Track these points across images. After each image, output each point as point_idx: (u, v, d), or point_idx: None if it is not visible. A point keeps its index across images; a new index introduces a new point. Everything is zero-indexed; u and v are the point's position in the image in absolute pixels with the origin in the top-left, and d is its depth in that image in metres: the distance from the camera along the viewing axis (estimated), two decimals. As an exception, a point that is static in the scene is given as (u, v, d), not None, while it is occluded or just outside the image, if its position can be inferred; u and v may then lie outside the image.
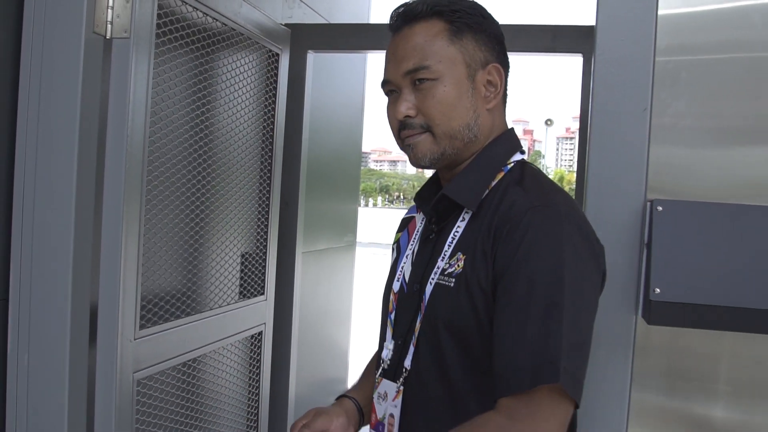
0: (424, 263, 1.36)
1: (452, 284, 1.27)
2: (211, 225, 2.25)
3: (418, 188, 1.49)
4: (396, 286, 1.42)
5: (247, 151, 2.45)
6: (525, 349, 1.15)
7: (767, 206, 1.42)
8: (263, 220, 2.57)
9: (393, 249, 1.52)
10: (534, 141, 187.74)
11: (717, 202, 1.42)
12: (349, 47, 2.94)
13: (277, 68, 2.58)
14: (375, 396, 1.44)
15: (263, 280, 2.49)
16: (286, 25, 2.72)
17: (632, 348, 1.50)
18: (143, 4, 1.79)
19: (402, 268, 1.43)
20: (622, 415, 1.58)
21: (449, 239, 1.32)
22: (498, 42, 1.36)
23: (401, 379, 1.38)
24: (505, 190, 1.29)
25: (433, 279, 1.30)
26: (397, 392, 1.39)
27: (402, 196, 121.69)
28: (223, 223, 2.33)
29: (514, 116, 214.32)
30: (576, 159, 2.61)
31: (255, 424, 2.62)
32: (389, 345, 1.42)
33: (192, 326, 2.14)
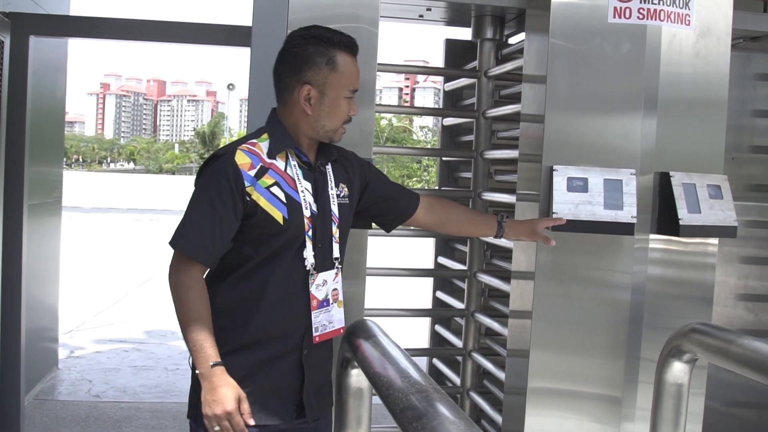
0: (320, 193, 1.97)
1: (346, 201, 2.04)
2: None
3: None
4: (307, 213, 1.93)
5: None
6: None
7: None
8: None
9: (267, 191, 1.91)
10: (218, 102, 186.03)
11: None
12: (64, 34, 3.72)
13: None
14: (313, 288, 1.93)
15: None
16: (7, 14, 3.26)
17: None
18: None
19: (305, 201, 1.93)
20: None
21: (329, 176, 2.01)
22: None
23: (337, 264, 2.00)
24: (338, 149, 2.07)
25: (334, 201, 2.00)
26: (336, 273, 2.00)
27: (81, 159, 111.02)
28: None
29: (197, 77, 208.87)
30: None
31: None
32: (310, 252, 1.93)
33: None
